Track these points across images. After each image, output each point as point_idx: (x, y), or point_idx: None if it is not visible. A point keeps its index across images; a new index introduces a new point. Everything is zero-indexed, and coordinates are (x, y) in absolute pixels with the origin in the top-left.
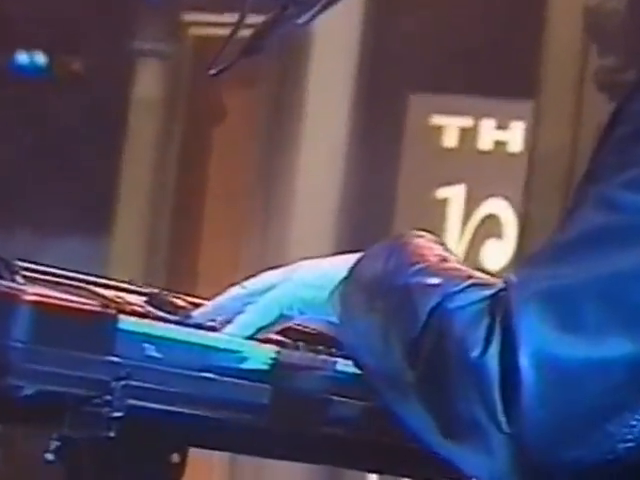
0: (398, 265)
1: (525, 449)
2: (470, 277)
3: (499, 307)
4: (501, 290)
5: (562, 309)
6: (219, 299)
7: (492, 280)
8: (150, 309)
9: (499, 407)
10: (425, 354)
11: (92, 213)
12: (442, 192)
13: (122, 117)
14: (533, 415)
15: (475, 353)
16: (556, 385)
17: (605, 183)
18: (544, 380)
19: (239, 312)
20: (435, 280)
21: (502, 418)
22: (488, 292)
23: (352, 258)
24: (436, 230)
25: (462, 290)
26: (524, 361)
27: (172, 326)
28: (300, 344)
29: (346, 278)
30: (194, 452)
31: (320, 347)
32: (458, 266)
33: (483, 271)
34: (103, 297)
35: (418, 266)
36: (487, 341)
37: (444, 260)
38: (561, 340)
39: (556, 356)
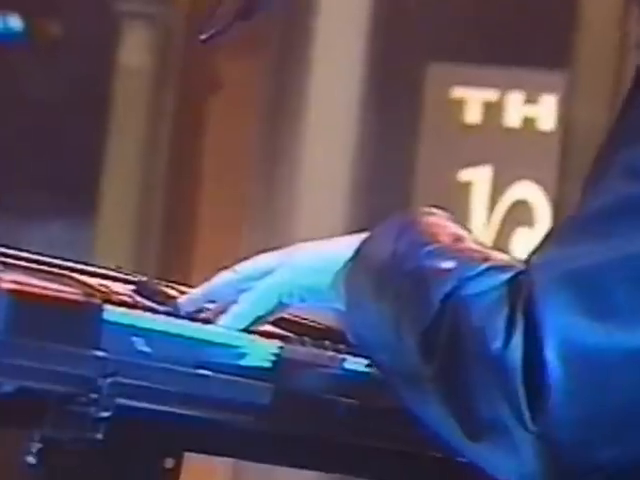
0: (408, 246)
1: (554, 449)
2: (487, 259)
3: (520, 293)
4: (521, 273)
5: (590, 292)
6: (208, 285)
7: (513, 261)
8: (139, 299)
9: (524, 405)
10: (440, 348)
11: (75, 194)
12: (465, 175)
13: (107, 88)
14: (561, 412)
15: (495, 346)
16: (586, 378)
17: (632, 149)
18: (572, 373)
19: (231, 299)
20: (449, 263)
21: (527, 416)
22: (507, 276)
23: (357, 239)
24: (458, 218)
25: (479, 274)
26: (549, 353)
27: (163, 317)
28: (305, 339)
29: (351, 260)
30: (194, 457)
31: (327, 342)
32: (474, 246)
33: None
34: (87, 285)
35: (430, 247)
36: (508, 332)
37: (458, 239)
38: (590, 328)
39: (585, 346)
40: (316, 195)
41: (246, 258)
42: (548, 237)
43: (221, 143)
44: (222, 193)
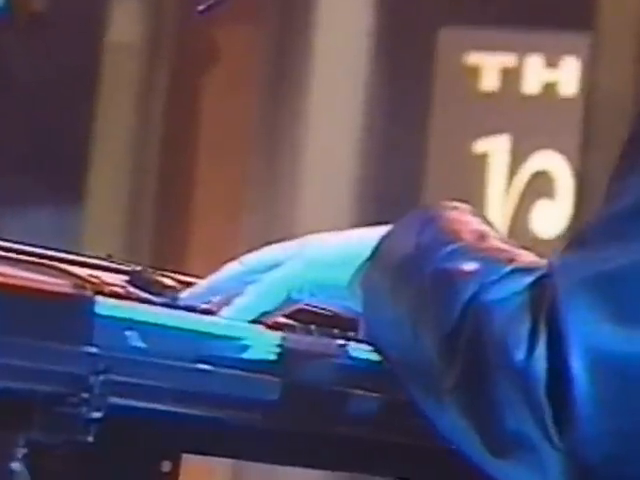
0: (429, 245)
1: (582, 466)
2: (512, 260)
3: (543, 298)
4: (544, 276)
5: (618, 297)
6: (213, 278)
7: (539, 262)
8: (133, 290)
9: (549, 418)
10: (461, 356)
11: (61, 178)
12: (481, 146)
13: (94, 65)
14: (588, 426)
15: (518, 356)
16: (614, 389)
17: None
18: (599, 384)
19: (237, 294)
20: (471, 265)
21: (553, 431)
22: (531, 279)
23: (373, 233)
24: (475, 191)
25: (502, 278)
26: (575, 362)
27: (159, 309)
28: (312, 327)
29: (369, 259)
30: (191, 457)
31: (336, 331)
32: (499, 244)
33: (533, 241)
34: (76, 276)
35: (451, 247)
36: (531, 341)
37: (482, 237)
38: (618, 334)
39: (612, 354)
40: (321, 175)
41: (253, 249)
42: (573, 237)
43: (218, 122)
44: (219, 175)
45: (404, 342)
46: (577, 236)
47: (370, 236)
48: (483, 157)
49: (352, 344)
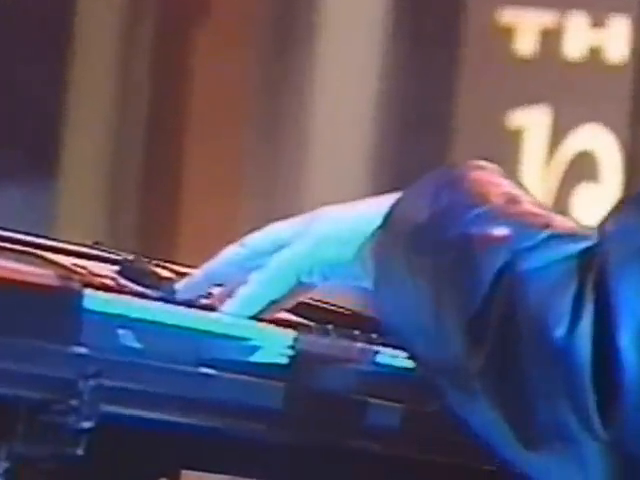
0: (451, 209)
1: (628, 461)
2: (549, 225)
3: (589, 268)
4: (593, 245)
5: None
6: (211, 264)
7: (581, 229)
8: (124, 282)
9: (592, 407)
10: (491, 336)
11: (32, 151)
12: (516, 119)
13: (69, 22)
14: (637, 417)
15: (558, 333)
16: None
17: None
18: None
19: (240, 282)
20: (502, 230)
21: (596, 420)
22: (575, 247)
23: (389, 200)
24: (507, 171)
25: (539, 244)
26: (625, 341)
27: (156, 305)
28: (330, 328)
29: (380, 227)
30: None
31: (356, 331)
32: (533, 208)
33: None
34: (61, 266)
35: (478, 210)
36: (574, 316)
37: (513, 200)
38: None
39: None
40: (331, 152)
41: (255, 229)
42: (626, 199)
43: (211, 86)
44: (214, 148)
45: (424, 321)
46: (632, 198)
47: (386, 204)
48: (518, 132)
49: (375, 347)
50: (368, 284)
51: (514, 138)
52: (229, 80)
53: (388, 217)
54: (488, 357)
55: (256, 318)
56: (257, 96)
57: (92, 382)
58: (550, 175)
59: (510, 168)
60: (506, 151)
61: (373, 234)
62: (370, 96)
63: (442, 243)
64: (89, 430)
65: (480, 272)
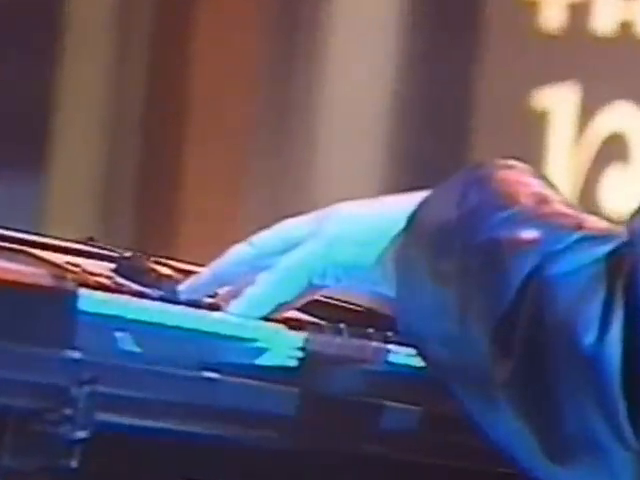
0: (479, 210)
1: None
2: (580, 227)
3: (620, 271)
4: (623, 245)
5: None
6: (220, 263)
7: (613, 230)
8: (122, 281)
9: (623, 416)
10: (518, 344)
11: (19, 140)
12: (541, 98)
13: (62, 6)
14: None
15: (588, 339)
16: None
17: None
18: None
19: (248, 282)
20: (531, 233)
21: (628, 429)
22: (605, 249)
23: (411, 200)
24: (532, 155)
25: (569, 247)
26: None
27: (155, 305)
28: (342, 327)
29: (404, 230)
30: None
31: (370, 331)
32: (564, 209)
33: (603, 216)
34: (53, 264)
35: (507, 212)
36: (604, 322)
37: (543, 201)
38: None
39: None
40: (344, 136)
41: (255, 224)
42: None
43: (214, 67)
44: (215, 137)
45: (448, 329)
46: None
47: (409, 204)
48: (543, 113)
49: (390, 347)
50: (386, 289)
51: (539, 119)
52: (232, 71)
53: (413, 218)
54: (515, 365)
55: (264, 318)
56: (263, 82)
57: (87, 389)
58: (579, 157)
59: (535, 151)
60: (530, 133)
61: (396, 237)
62: (386, 75)
63: (469, 247)
64: (83, 440)
65: (508, 277)
